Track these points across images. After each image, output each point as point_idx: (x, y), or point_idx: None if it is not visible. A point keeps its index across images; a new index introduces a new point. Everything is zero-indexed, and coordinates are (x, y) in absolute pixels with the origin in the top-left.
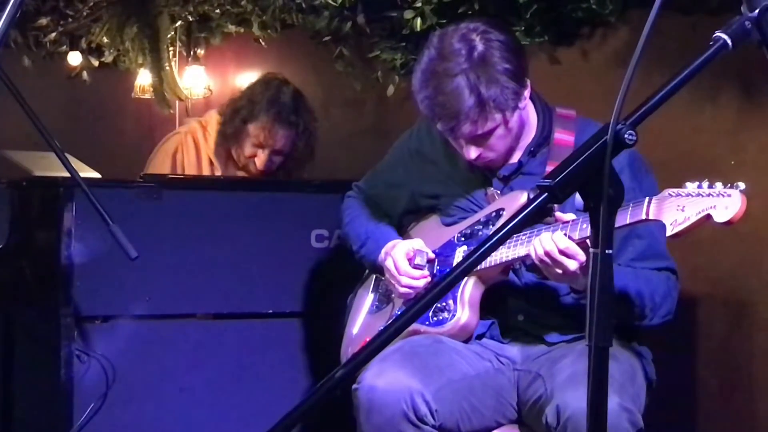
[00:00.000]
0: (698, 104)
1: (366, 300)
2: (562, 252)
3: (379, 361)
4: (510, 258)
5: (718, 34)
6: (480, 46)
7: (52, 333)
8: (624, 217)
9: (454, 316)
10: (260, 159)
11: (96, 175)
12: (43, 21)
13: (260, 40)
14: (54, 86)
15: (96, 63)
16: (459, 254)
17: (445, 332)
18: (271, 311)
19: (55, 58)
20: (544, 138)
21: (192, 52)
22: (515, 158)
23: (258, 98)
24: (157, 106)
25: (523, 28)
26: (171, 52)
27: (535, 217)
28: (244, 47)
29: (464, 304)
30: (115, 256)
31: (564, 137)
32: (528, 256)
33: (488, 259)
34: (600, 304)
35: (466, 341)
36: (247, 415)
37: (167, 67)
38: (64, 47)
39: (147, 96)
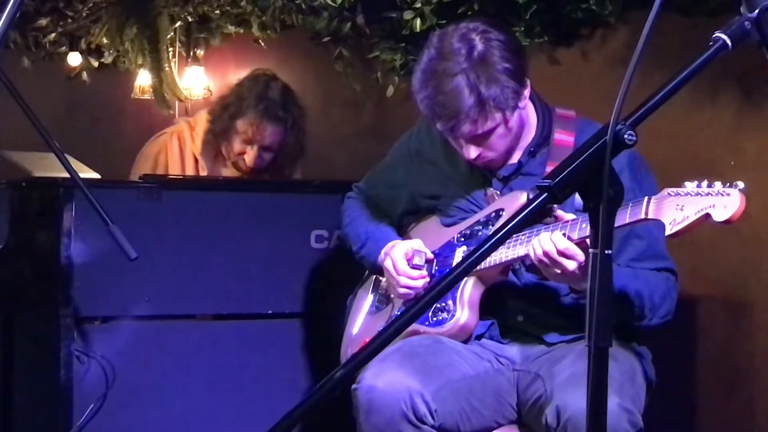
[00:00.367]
0: (698, 105)
1: (366, 300)
2: (560, 252)
3: (378, 362)
4: (509, 258)
5: (717, 34)
6: (480, 46)
7: (52, 333)
8: (623, 217)
9: (453, 316)
10: (249, 156)
11: (95, 175)
12: (43, 21)
13: (260, 41)
14: (53, 87)
15: (95, 64)
16: (458, 255)
17: (445, 332)
18: (270, 312)
19: (55, 59)
20: (543, 138)
21: (192, 53)
22: (515, 158)
23: (246, 94)
24: (157, 106)
25: (522, 28)
26: (171, 53)
27: (535, 218)
28: (244, 48)
29: (464, 305)
30: (115, 256)
31: (564, 137)
32: (527, 256)
33: (488, 259)
34: (600, 305)
35: (466, 341)
36: (247, 415)
37: (167, 68)
38: (64, 48)
39: (147, 97)
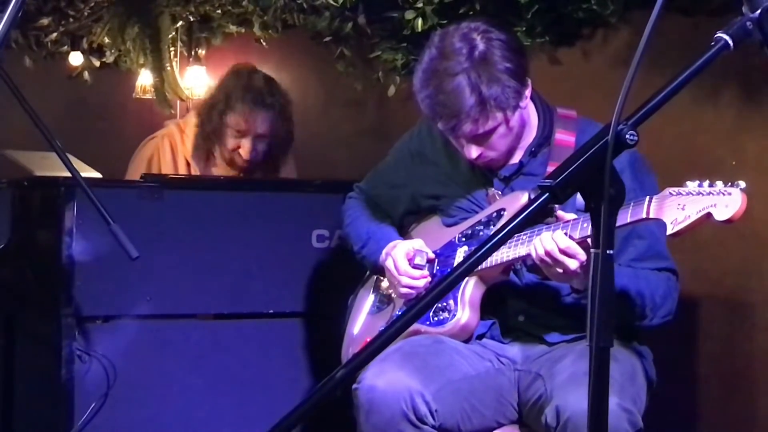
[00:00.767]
0: (699, 105)
1: (367, 300)
2: (562, 251)
3: (379, 361)
4: (511, 258)
5: (719, 34)
6: (481, 45)
7: (53, 333)
8: (625, 216)
9: (454, 316)
10: (245, 148)
11: (97, 175)
12: (45, 21)
13: (261, 41)
14: (55, 86)
15: (97, 63)
16: (460, 255)
17: (446, 332)
18: (271, 311)
19: (57, 59)
20: (544, 138)
21: (193, 53)
22: (516, 158)
23: (232, 89)
24: (158, 106)
25: (524, 28)
26: (172, 53)
27: (536, 218)
28: (245, 47)
29: (465, 304)
30: (116, 256)
31: (565, 137)
32: (529, 255)
33: (489, 259)
34: (601, 305)
35: (467, 341)
36: (247, 415)
37: (168, 68)
38: (66, 47)
39: (148, 96)
